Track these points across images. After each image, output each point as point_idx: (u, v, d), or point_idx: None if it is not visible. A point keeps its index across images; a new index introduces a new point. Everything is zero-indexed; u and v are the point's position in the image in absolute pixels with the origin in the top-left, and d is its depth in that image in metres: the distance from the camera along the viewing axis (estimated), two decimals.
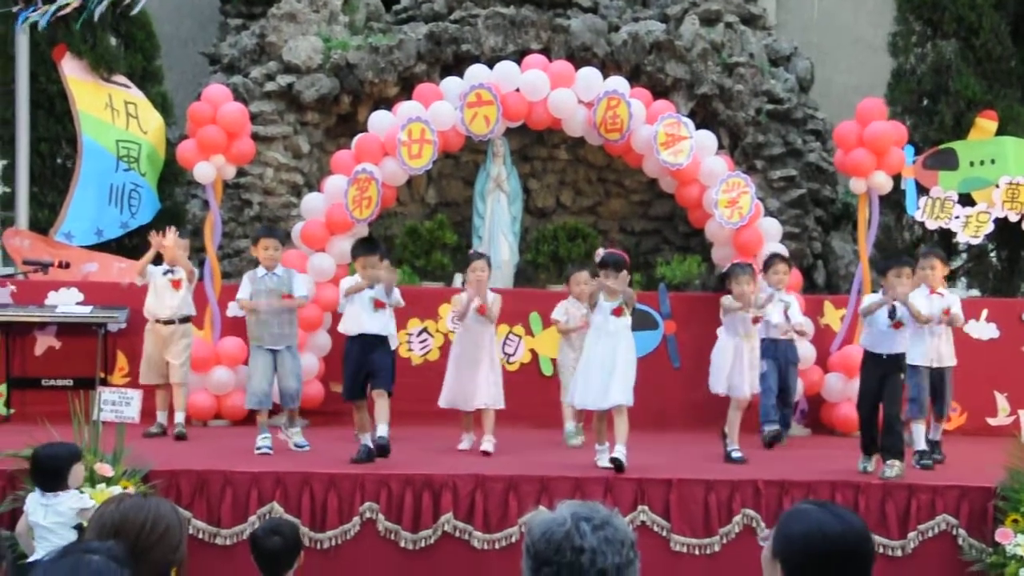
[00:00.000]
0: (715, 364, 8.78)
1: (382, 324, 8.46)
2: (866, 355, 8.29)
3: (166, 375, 9.51)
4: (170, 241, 9.39)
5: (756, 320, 8.74)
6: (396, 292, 8.58)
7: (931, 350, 8.81)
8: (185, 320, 9.60)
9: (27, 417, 9.49)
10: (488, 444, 8.74)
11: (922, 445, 8.52)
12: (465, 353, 9.02)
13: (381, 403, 8.31)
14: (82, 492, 6.35)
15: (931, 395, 8.87)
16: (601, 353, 8.00)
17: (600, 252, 8.34)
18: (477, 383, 8.95)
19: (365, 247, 8.69)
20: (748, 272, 8.80)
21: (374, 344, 8.37)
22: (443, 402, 9.12)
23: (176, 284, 9.48)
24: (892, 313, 8.03)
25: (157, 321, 9.50)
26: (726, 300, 8.77)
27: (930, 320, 8.58)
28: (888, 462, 7.90)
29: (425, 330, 10.92)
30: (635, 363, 8.12)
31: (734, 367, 8.65)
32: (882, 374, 8.09)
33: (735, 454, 8.53)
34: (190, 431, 9.44)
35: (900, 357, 8.19)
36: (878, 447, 8.10)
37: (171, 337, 9.49)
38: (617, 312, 7.98)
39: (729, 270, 8.95)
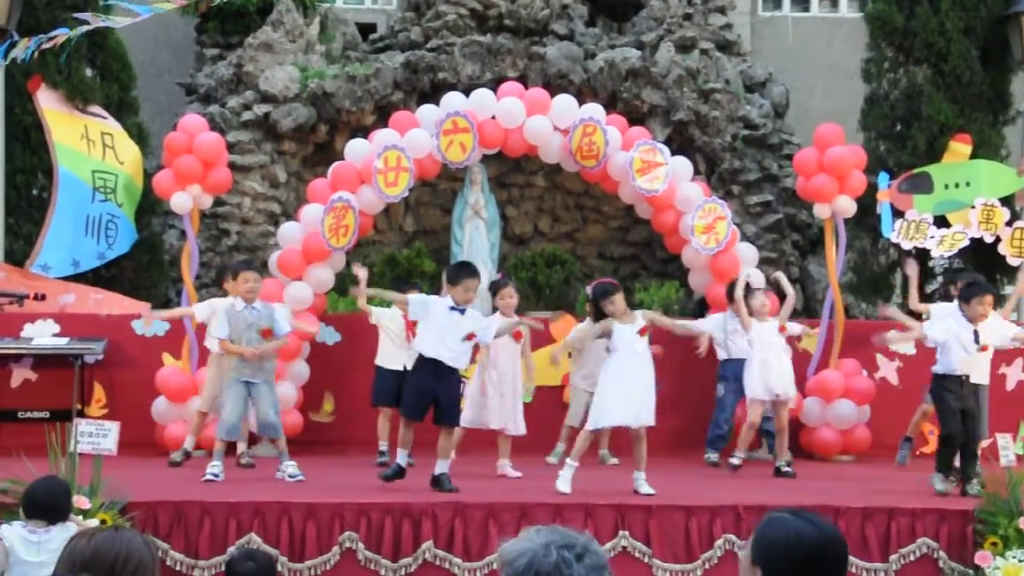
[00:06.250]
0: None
1: (459, 355, 8.22)
2: (947, 380, 8.30)
3: None
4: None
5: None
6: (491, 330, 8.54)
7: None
8: None
9: (3, 450, 9.40)
10: (513, 470, 8.98)
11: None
12: (491, 375, 9.11)
13: (446, 438, 8.21)
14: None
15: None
16: (637, 372, 8.07)
17: (587, 290, 8.39)
18: (504, 405, 9.09)
19: (469, 270, 8.47)
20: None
21: (445, 372, 8.18)
22: (465, 422, 9.04)
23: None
24: (977, 337, 8.23)
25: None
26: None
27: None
28: (973, 481, 8.19)
29: None
30: None
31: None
32: (967, 395, 8.27)
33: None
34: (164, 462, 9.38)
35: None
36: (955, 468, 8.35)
37: None
38: (642, 332, 8.10)
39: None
